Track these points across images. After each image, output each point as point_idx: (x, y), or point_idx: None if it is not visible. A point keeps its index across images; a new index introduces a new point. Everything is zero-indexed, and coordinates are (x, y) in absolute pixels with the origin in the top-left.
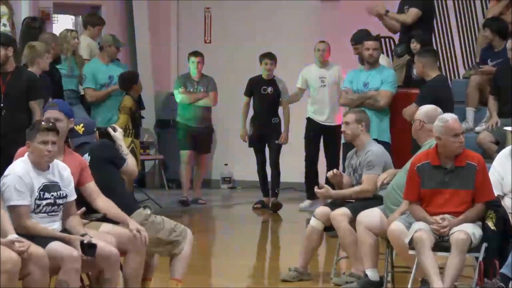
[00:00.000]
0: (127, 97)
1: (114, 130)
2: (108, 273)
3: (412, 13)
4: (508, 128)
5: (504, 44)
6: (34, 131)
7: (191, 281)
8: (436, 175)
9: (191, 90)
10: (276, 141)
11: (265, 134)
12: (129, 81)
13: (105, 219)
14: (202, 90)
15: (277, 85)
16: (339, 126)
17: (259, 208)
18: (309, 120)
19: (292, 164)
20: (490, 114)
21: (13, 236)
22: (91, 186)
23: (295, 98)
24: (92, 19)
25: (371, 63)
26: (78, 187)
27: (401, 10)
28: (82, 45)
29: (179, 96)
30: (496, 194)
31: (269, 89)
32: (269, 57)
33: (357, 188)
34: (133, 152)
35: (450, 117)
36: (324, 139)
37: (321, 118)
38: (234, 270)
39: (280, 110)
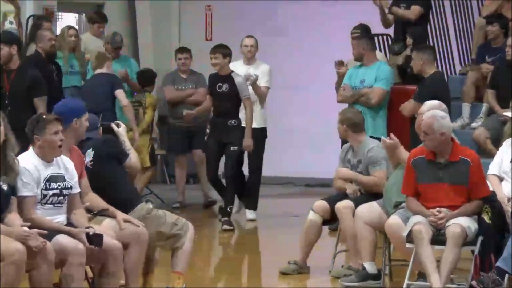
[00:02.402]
0: (149, 95)
1: (118, 126)
2: (111, 267)
3: (416, 11)
4: (508, 114)
5: (504, 41)
6: (42, 125)
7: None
8: (431, 170)
9: (180, 87)
10: (232, 148)
11: (220, 139)
12: (150, 79)
13: (107, 214)
14: (190, 87)
15: (234, 82)
16: (263, 129)
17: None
18: None
19: (290, 159)
20: (492, 107)
21: (28, 230)
22: (83, 183)
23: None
24: (92, 16)
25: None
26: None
27: (396, 5)
28: (88, 43)
29: (168, 94)
30: (493, 173)
31: (225, 87)
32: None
33: (373, 178)
34: (153, 149)
35: None
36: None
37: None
38: (234, 264)
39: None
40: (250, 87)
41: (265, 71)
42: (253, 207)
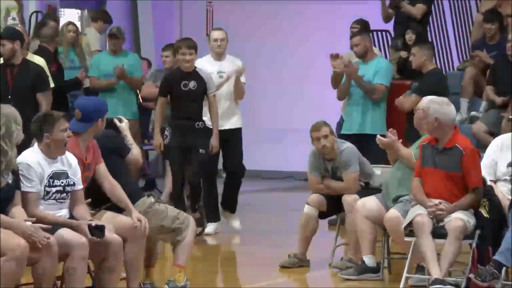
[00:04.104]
0: None
1: (120, 121)
2: (111, 261)
3: (422, 9)
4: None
5: (500, 38)
6: (51, 122)
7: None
8: (430, 155)
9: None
10: (201, 150)
11: (186, 144)
12: None
13: (110, 208)
14: None
15: (202, 78)
16: (235, 130)
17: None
18: None
19: (291, 153)
20: (492, 100)
21: (32, 226)
22: (101, 168)
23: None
24: (93, 13)
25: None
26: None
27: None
28: (93, 37)
29: (144, 90)
30: (488, 179)
31: (192, 84)
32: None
33: (342, 184)
34: None
35: None
36: (222, 147)
37: (221, 122)
38: (234, 258)
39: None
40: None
41: (235, 65)
42: (233, 210)
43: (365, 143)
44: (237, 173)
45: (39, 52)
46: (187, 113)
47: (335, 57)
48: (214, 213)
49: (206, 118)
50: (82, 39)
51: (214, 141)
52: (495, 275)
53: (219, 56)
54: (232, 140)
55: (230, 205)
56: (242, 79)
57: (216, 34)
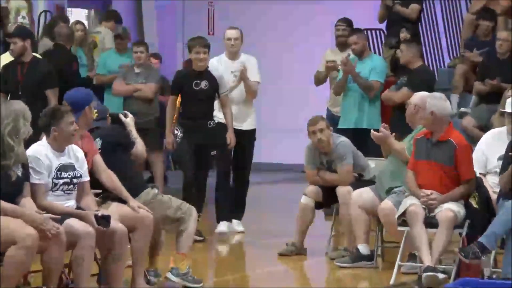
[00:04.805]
0: None
1: (125, 116)
2: (117, 249)
3: (416, 9)
4: (508, 110)
5: (492, 35)
6: (59, 116)
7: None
8: (424, 147)
9: (129, 82)
10: (213, 152)
11: (197, 143)
12: None
13: (116, 199)
14: (140, 82)
15: (213, 78)
16: (249, 132)
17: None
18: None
19: (288, 146)
20: (482, 95)
21: (43, 216)
22: (97, 160)
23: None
24: (106, 13)
25: None
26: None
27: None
28: (109, 36)
29: (114, 88)
30: (478, 172)
31: (203, 84)
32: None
33: (336, 176)
34: None
35: None
36: (236, 147)
37: (235, 123)
38: (235, 247)
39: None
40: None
41: (254, 64)
42: (241, 217)
43: (362, 137)
44: (244, 184)
45: (55, 50)
46: (197, 113)
47: (332, 67)
48: (227, 211)
49: (219, 116)
50: (96, 37)
51: (231, 137)
52: (477, 254)
53: (233, 55)
54: (245, 141)
55: (238, 211)
56: (255, 77)
57: (229, 33)
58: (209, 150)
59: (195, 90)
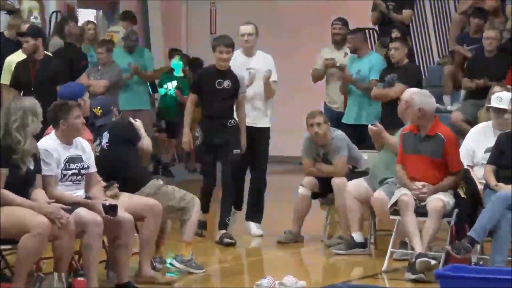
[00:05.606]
0: None
1: (135, 120)
2: (123, 237)
3: (409, 14)
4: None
5: (482, 32)
6: (66, 110)
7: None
8: (412, 142)
9: (91, 78)
10: (235, 151)
11: (218, 142)
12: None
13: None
14: (98, 78)
15: (235, 78)
16: (265, 129)
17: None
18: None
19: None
20: (470, 91)
21: (56, 207)
22: None
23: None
24: (124, 13)
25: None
26: None
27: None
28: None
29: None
30: (466, 165)
31: (226, 83)
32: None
33: (332, 168)
34: None
35: None
36: (250, 145)
37: (248, 120)
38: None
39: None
40: (253, 84)
41: (271, 64)
42: (259, 219)
43: (362, 132)
44: (260, 184)
45: (66, 49)
46: (219, 112)
47: (331, 64)
48: (260, 214)
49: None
50: (114, 36)
51: (243, 140)
52: (468, 249)
53: (248, 52)
54: (261, 139)
55: (256, 214)
56: (273, 77)
57: (243, 29)
58: (230, 149)
59: (218, 89)
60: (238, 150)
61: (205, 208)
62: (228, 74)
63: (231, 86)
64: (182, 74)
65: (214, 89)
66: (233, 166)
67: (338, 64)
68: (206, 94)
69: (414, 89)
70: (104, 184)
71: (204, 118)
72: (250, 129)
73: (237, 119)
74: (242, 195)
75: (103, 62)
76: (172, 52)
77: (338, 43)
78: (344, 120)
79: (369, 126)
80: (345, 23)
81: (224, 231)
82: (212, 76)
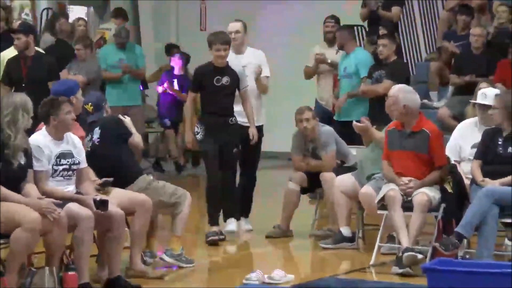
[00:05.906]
0: None
1: (124, 117)
2: (115, 231)
3: (398, 11)
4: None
5: (468, 29)
6: (57, 106)
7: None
8: (397, 138)
9: (71, 73)
10: (235, 150)
11: (220, 140)
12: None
13: (114, 184)
14: (77, 74)
15: (235, 73)
16: (259, 128)
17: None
18: None
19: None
20: (457, 87)
21: (47, 201)
22: None
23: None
24: (116, 10)
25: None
26: None
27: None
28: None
29: None
30: (453, 160)
31: (225, 79)
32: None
33: (321, 162)
34: None
35: None
36: (243, 143)
37: (240, 119)
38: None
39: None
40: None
41: (263, 59)
42: (247, 214)
43: (349, 128)
44: (250, 180)
45: (57, 45)
46: (219, 109)
47: (321, 59)
48: (248, 209)
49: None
50: (105, 33)
51: (254, 132)
52: (456, 244)
53: (237, 49)
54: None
55: (246, 209)
56: (265, 72)
57: (230, 27)
58: (231, 148)
59: (217, 86)
60: (236, 150)
61: (214, 220)
62: (226, 70)
63: (230, 83)
64: (182, 72)
65: (213, 86)
66: (231, 166)
67: (329, 61)
68: (205, 91)
69: (399, 86)
70: (99, 181)
71: (205, 116)
72: (243, 128)
73: (237, 117)
74: (250, 204)
75: (81, 59)
76: (171, 48)
77: (330, 41)
78: (335, 117)
79: (354, 122)
80: (337, 21)
81: (215, 227)
82: (210, 73)
